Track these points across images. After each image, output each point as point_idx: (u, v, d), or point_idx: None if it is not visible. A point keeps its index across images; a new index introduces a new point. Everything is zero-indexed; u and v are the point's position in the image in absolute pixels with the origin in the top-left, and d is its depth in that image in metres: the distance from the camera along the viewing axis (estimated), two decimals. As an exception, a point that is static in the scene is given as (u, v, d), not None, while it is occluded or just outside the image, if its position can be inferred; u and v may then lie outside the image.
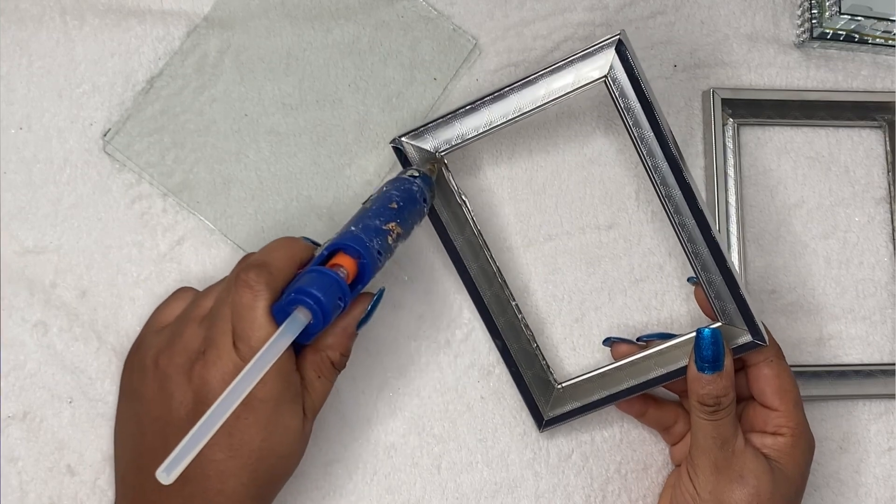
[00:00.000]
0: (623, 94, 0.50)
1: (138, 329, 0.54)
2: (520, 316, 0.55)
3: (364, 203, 0.49)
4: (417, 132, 0.53)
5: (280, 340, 0.42)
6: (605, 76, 0.50)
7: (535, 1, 0.60)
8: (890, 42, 0.61)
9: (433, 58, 0.58)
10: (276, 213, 0.56)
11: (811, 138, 0.61)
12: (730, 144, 0.59)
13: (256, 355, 0.41)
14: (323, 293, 0.43)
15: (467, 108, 0.52)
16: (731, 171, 0.59)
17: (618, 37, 0.50)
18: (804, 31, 0.61)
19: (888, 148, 0.61)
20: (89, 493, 0.52)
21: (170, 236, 0.55)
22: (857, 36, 0.60)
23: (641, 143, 0.50)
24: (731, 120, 0.59)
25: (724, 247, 0.51)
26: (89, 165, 0.55)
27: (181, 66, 0.56)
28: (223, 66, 0.56)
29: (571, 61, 0.51)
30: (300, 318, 0.42)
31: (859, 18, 0.60)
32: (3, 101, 0.55)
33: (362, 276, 0.45)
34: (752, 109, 0.60)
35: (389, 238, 0.47)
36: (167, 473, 0.38)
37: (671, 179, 0.50)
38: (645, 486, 0.56)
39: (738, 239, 0.58)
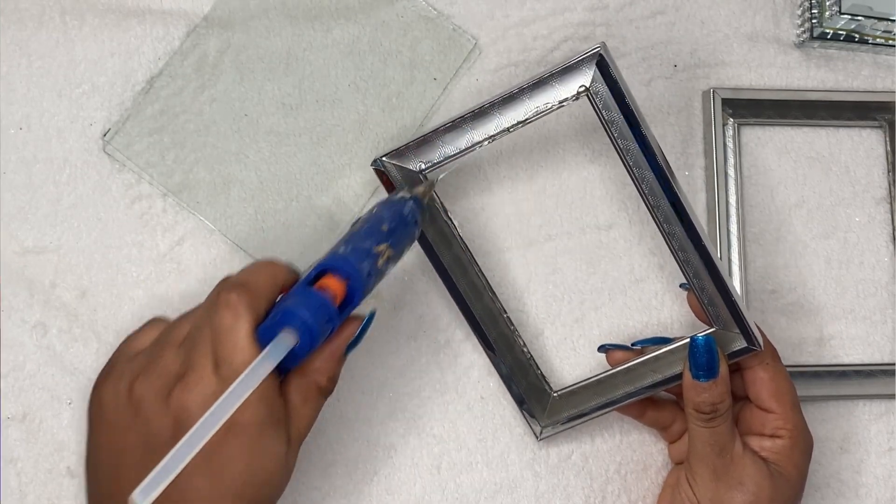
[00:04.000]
0: (606, 107, 0.49)
1: (138, 329, 0.54)
2: (511, 327, 0.55)
3: (353, 224, 0.48)
4: (398, 151, 0.52)
5: (264, 363, 0.40)
6: (587, 90, 0.49)
7: (535, 1, 0.60)
8: (890, 42, 0.61)
9: (433, 58, 0.58)
10: (276, 213, 0.55)
11: (811, 138, 0.61)
12: (730, 144, 0.59)
13: (239, 378, 0.39)
14: (311, 314, 0.41)
15: (448, 125, 0.51)
16: (731, 171, 0.59)
17: (598, 50, 0.48)
18: (804, 31, 0.61)
19: (888, 148, 0.61)
20: (89, 494, 0.53)
21: (170, 236, 0.55)
22: (857, 36, 0.60)
23: (627, 155, 0.49)
24: (731, 120, 0.59)
25: (714, 255, 0.50)
26: (89, 165, 0.55)
27: (181, 66, 0.56)
28: (223, 66, 0.56)
29: (552, 76, 0.49)
30: (286, 340, 0.41)
31: (859, 18, 0.60)
32: (3, 101, 0.55)
33: (351, 298, 0.43)
34: (753, 109, 0.60)
35: (380, 260, 0.45)
36: (143, 495, 0.35)
37: (658, 190, 0.50)
38: (644, 487, 0.56)
39: (739, 239, 0.58)
